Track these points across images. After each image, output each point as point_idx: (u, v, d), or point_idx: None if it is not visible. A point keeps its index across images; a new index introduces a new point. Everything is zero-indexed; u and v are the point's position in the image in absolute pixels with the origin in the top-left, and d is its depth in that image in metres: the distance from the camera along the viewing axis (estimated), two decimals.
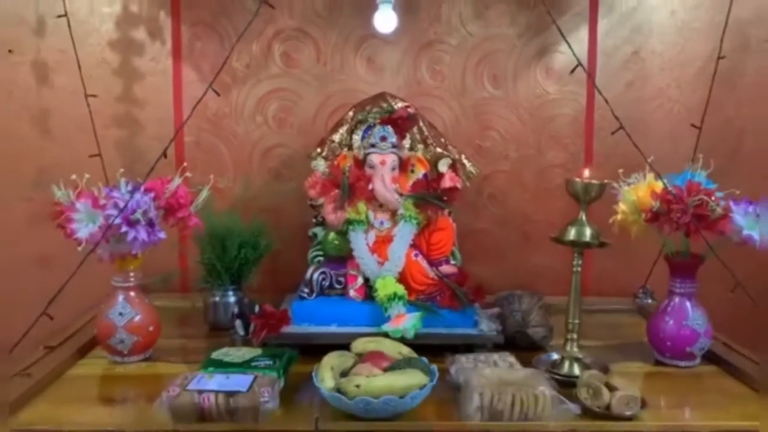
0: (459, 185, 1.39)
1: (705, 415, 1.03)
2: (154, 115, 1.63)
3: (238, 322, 1.27)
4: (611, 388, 1.01)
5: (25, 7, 1.55)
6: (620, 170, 1.26)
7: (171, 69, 1.63)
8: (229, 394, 0.95)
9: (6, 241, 1.48)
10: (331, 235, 1.36)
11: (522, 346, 1.27)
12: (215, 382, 0.98)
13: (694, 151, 1.44)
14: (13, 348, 1.09)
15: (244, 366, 1.07)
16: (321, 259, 1.39)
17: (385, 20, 1.40)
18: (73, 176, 1.15)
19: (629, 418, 0.98)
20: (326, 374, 1.00)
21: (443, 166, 1.41)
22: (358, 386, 0.94)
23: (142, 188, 1.13)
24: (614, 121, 1.23)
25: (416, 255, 1.34)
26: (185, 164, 1.32)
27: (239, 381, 0.98)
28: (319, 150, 1.44)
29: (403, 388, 0.95)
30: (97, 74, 1.56)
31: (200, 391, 0.95)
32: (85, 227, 1.08)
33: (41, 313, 1.11)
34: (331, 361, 1.03)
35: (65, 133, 1.58)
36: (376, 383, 0.95)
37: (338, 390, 0.95)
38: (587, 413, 0.99)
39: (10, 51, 1.51)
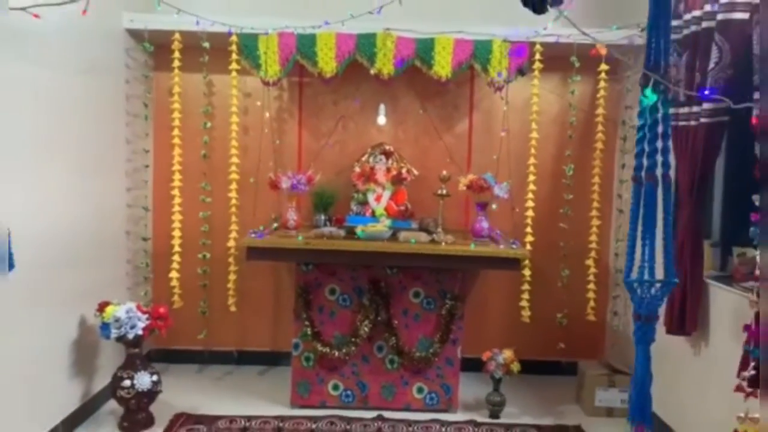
0: (409, 177, 3.75)
1: (476, 248, 3.36)
2: (288, 150, 4.04)
3: (327, 223, 3.64)
4: (445, 235, 3.34)
5: (241, 102, 3.98)
6: (467, 172, 3.63)
7: (297, 131, 4.05)
8: (332, 231, 3.31)
9: (241, 197, 3.85)
10: (360, 194, 3.73)
11: (428, 231, 3.59)
12: (327, 230, 3.34)
13: (497, 168, 3.77)
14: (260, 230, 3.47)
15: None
16: (356, 203, 3.75)
17: (381, 120, 3.85)
18: (271, 172, 3.54)
19: (449, 244, 3.31)
20: (359, 228, 3.34)
21: (403, 170, 3.77)
22: (367, 230, 3.29)
23: (300, 173, 3.50)
24: (481, 156, 3.62)
25: (391, 200, 3.71)
26: (312, 166, 3.68)
27: (333, 230, 3.35)
28: (357, 163, 3.81)
29: (382, 231, 3.30)
30: (268, 132, 3.97)
31: (322, 230, 3.32)
32: (285, 184, 3.44)
33: (274, 218, 3.52)
34: (362, 226, 3.39)
35: (250, 155, 3.96)
36: (374, 227, 3.31)
37: (363, 230, 3.31)
38: (433, 241, 3.32)
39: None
